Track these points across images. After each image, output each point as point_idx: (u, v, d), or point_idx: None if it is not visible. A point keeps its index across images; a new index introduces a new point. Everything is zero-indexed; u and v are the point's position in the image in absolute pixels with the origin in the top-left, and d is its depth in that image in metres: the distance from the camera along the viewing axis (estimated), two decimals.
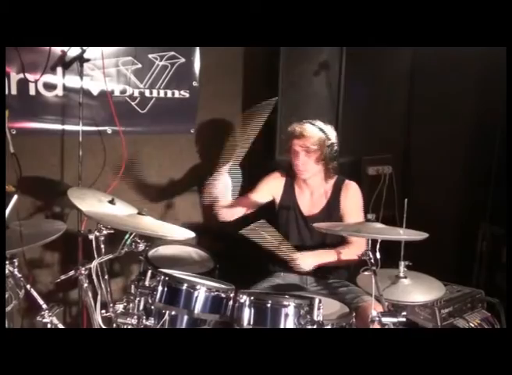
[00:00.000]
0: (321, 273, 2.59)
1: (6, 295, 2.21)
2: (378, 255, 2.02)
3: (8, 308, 2.21)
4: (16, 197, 2.19)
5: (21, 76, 2.65)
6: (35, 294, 2.04)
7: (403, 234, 2.08)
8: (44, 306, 2.05)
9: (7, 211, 2.14)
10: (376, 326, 1.92)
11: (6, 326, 2.10)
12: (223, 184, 2.51)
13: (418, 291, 2.20)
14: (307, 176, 2.60)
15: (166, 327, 2.06)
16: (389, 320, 1.88)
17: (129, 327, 2.05)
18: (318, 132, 2.51)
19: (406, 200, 2.17)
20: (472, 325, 2.68)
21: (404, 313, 1.90)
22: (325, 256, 2.50)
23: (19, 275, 2.06)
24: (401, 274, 2.21)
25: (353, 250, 2.42)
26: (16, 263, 2.04)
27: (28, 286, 2.06)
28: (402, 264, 2.21)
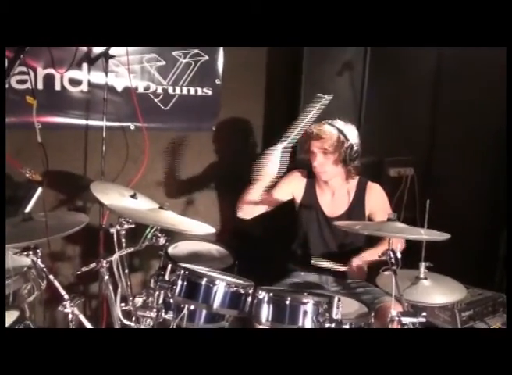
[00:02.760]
0: (341, 273, 2.58)
1: (29, 286, 2.24)
2: (399, 255, 2.00)
3: (30, 299, 2.24)
4: (40, 189, 2.22)
5: (47, 71, 2.70)
6: (57, 284, 2.05)
7: (424, 234, 2.06)
8: (66, 297, 2.06)
9: (31, 202, 2.17)
10: (395, 325, 1.91)
11: (27, 315, 2.14)
12: (272, 163, 2.38)
13: (438, 293, 2.17)
14: (326, 178, 2.58)
15: (185, 322, 2.07)
16: (408, 320, 1.86)
17: (148, 321, 2.08)
18: (335, 133, 2.46)
19: (428, 201, 2.15)
20: None
21: (424, 314, 1.88)
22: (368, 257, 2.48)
23: (43, 265, 2.05)
24: (421, 275, 2.18)
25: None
26: (40, 254, 2.04)
27: (51, 276, 2.07)
28: (422, 265, 2.19)
